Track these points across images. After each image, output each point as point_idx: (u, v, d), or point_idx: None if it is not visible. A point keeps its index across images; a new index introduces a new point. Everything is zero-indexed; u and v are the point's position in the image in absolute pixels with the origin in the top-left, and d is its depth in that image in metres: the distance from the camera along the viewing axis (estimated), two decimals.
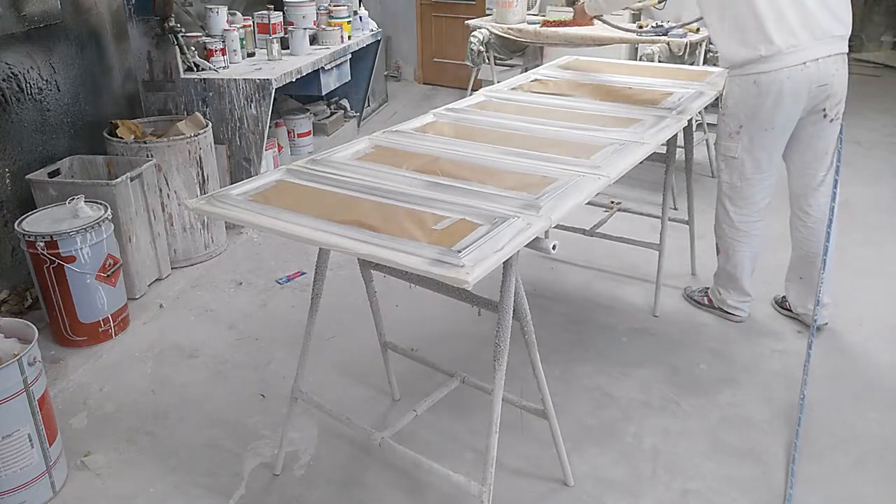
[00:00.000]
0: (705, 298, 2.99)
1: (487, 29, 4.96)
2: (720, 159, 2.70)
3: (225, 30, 3.84)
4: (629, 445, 2.27)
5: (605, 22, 3.26)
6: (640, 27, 4.73)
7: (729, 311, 2.90)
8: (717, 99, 2.71)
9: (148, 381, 2.61)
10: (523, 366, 2.00)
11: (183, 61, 3.58)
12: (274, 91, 3.57)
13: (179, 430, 2.35)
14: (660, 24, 4.54)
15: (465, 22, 5.22)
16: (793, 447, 2.21)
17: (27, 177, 2.97)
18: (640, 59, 4.22)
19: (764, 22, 2.33)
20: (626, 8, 4.23)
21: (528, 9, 5.31)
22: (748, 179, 2.63)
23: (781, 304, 2.97)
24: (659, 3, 5.30)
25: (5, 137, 3.00)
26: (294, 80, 3.83)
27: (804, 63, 2.36)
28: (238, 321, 3.00)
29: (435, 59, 7.35)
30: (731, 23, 2.41)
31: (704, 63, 4.58)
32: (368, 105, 5.84)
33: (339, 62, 4.49)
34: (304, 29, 4.22)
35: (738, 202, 2.68)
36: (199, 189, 3.36)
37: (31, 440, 1.97)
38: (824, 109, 2.48)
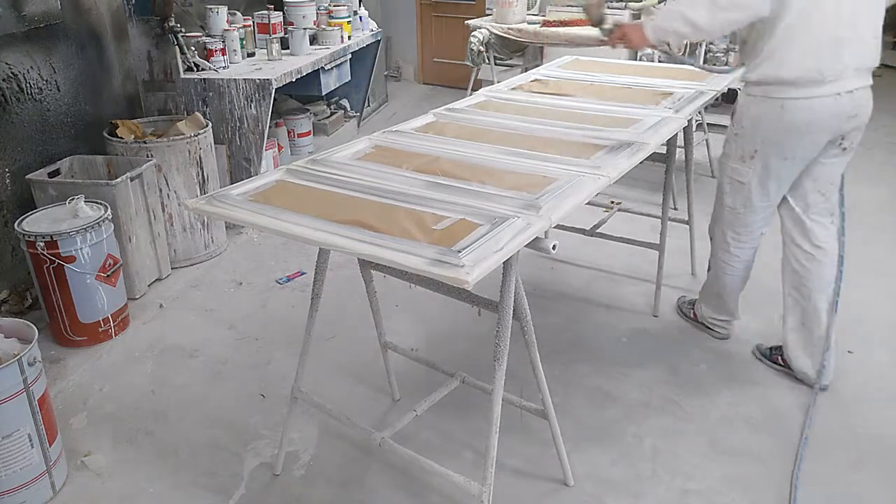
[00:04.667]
0: (692, 312, 2.89)
1: (487, 29, 4.96)
2: (725, 181, 2.45)
3: (225, 30, 3.84)
4: (629, 445, 2.27)
5: (668, 53, 2.58)
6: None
7: (711, 326, 2.80)
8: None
9: (148, 381, 2.61)
10: (523, 366, 2.00)
11: (183, 61, 3.58)
12: (274, 91, 3.57)
13: (179, 430, 2.35)
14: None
15: (465, 22, 5.23)
16: (800, 447, 2.21)
17: (27, 177, 2.97)
18: (640, 59, 4.22)
19: (818, 45, 2.09)
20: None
21: (528, 9, 5.31)
22: (753, 207, 2.41)
23: (772, 358, 2.63)
24: (659, 2, 5.31)
25: (5, 137, 3.00)
26: (294, 80, 3.83)
27: (838, 94, 2.14)
28: (238, 321, 3.00)
29: (435, 59, 7.35)
30: (773, 37, 2.12)
31: (704, 63, 4.57)
32: (368, 105, 5.84)
33: (339, 62, 4.49)
34: (304, 29, 4.22)
35: (738, 228, 2.48)
36: (199, 189, 3.35)
37: (31, 440, 1.97)
38: (842, 140, 2.27)
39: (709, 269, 2.73)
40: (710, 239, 2.67)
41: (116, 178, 2.94)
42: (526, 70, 4.37)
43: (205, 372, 2.66)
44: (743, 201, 2.42)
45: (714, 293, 2.72)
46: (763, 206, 2.42)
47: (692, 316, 2.90)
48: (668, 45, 2.51)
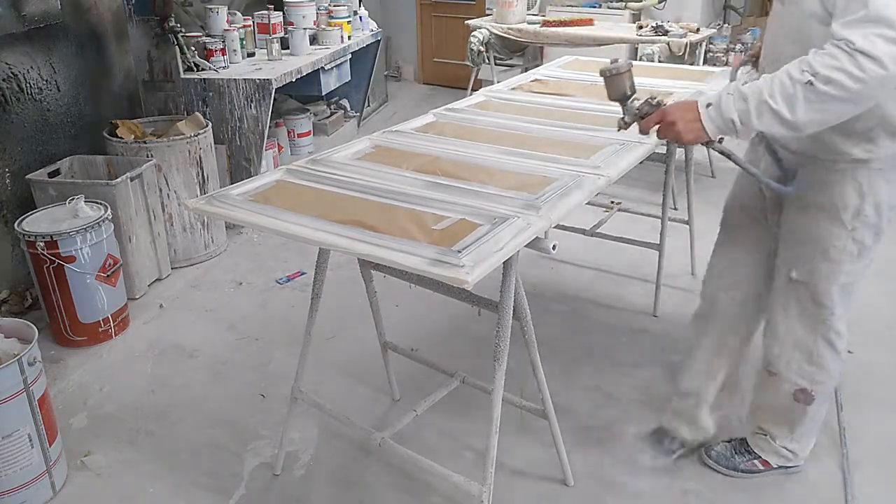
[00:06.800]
0: (756, 462, 2.16)
1: (487, 29, 4.97)
2: (834, 291, 1.88)
3: (225, 30, 3.84)
4: (629, 445, 2.27)
5: (727, 155, 1.72)
6: (640, 27, 4.73)
7: (797, 462, 2.16)
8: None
9: (148, 381, 2.61)
10: (523, 366, 2.00)
11: (183, 61, 3.58)
12: (274, 91, 3.57)
13: (179, 430, 2.35)
14: (660, 24, 4.55)
15: (465, 22, 5.24)
16: (844, 459, 2.20)
17: (27, 177, 2.97)
18: (640, 59, 4.22)
19: None
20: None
21: (528, 9, 5.31)
22: (854, 300, 1.95)
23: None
24: (659, 2, 5.32)
25: (5, 137, 3.00)
26: (294, 80, 3.83)
27: None
28: (238, 321, 3.00)
29: (435, 59, 7.36)
30: None
31: (704, 63, 4.58)
32: (368, 105, 5.85)
33: (339, 62, 4.49)
34: (304, 29, 4.22)
35: (843, 330, 1.96)
36: (199, 189, 3.36)
37: (31, 440, 1.97)
38: None
39: (808, 403, 2.03)
40: (777, 374, 2.01)
41: (116, 178, 2.95)
42: (526, 70, 4.37)
43: (205, 372, 2.66)
44: (850, 300, 1.94)
45: (816, 420, 2.11)
46: None
47: (762, 466, 2.15)
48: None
